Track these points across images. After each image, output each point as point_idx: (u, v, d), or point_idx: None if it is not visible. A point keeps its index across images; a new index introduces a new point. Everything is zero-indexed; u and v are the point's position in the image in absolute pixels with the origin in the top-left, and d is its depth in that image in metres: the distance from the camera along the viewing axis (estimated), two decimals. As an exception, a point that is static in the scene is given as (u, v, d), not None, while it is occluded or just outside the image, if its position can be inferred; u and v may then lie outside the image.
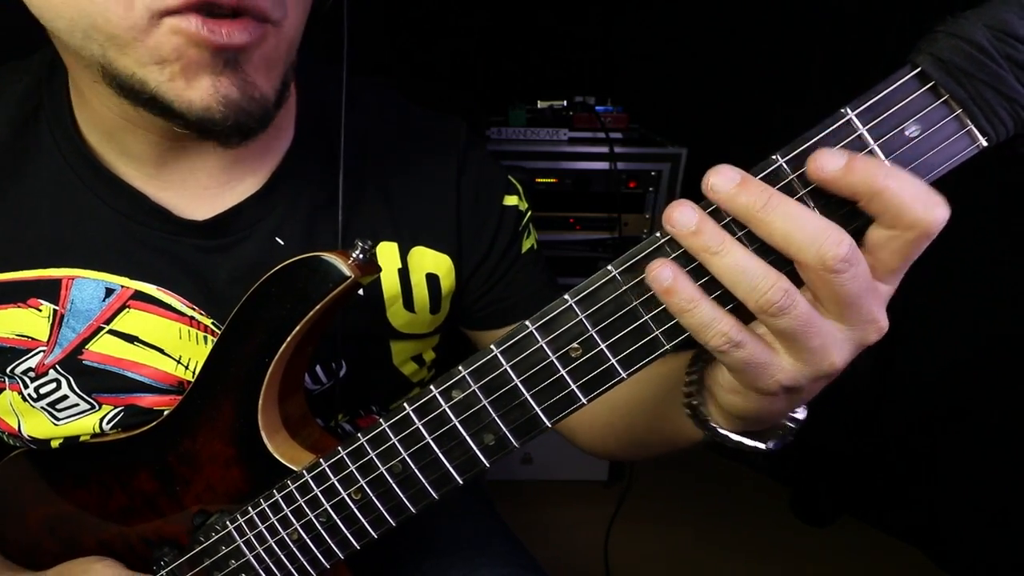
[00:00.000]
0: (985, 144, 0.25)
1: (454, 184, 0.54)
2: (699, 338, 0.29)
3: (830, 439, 1.43)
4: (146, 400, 0.50)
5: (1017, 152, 0.25)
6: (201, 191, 0.47)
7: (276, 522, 0.44)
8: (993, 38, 0.23)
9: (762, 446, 0.36)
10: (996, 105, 0.24)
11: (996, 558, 1.26)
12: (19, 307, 0.47)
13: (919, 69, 0.25)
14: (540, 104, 1.40)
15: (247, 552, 0.45)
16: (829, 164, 0.26)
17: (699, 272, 0.29)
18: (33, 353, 0.48)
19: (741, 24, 1.41)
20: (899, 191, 0.25)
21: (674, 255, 0.30)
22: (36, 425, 0.51)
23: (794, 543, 1.42)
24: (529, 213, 0.59)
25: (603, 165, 1.26)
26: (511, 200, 0.57)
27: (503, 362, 0.34)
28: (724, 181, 0.27)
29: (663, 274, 0.29)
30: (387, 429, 0.38)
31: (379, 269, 0.42)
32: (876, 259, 0.27)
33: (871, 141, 0.26)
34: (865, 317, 0.28)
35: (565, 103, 1.40)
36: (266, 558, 0.45)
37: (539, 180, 1.27)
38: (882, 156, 0.27)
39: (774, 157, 0.28)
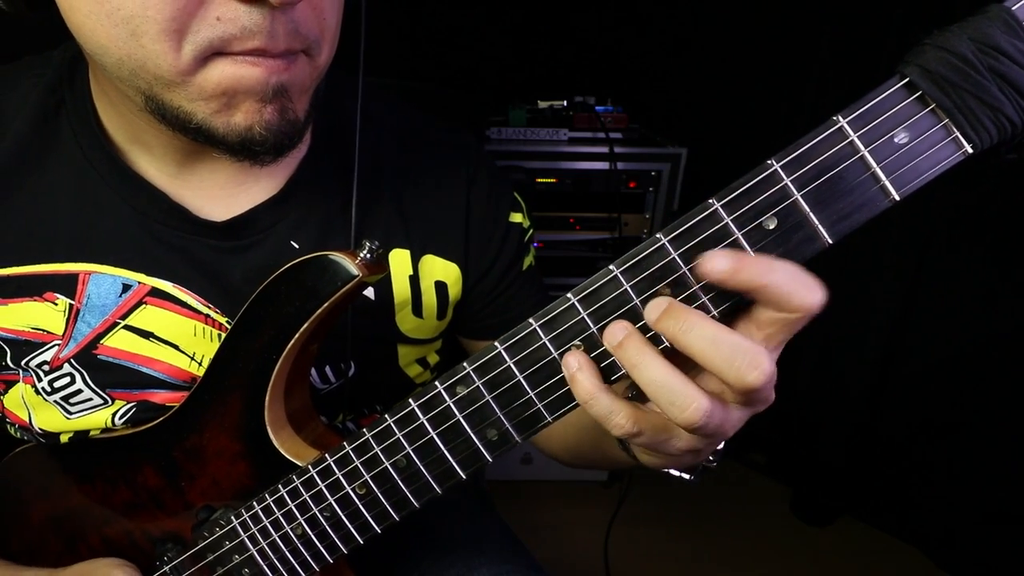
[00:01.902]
0: (970, 151, 0.26)
1: (464, 196, 0.55)
2: (603, 425, 0.33)
3: (830, 439, 1.44)
4: (159, 396, 0.51)
5: (1002, 159, 0.26)
6: (218, 191, 0.48)
7: (281, 517, 0.44)
8: (977, 51, 0.25)
9: (687, 477, 0.40)
10: (980, 114, 0.25)
11: (996, 558, 1.26)
12: (35, 300, 0.47)
13: (907, 79, 0.27)
14: (540, 104, 1.39)
15: (251, 547, 0.46)
16: (717, 266, 0.29)
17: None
18: (48, 347, 0.48)
19: (741, 24, 1.41)
20: (782, 283, 0.28)
21: (677, 253, 0.31)
22: (48, 418, 0.51)
23: (794, 543, 1.42)
24: (531, 232, 0.61)
25: (603, 165, 1.26)
26: (516, 217, 0.59)
27: (507, 359, 0.35)
28: (650, 309, 0.30)
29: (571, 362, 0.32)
30: (392, 424, 0.39)
31: (386, 269, 0.43)
32: (766, 335, 0.30)
33: (862, 147, 0.28)
34: (765, 399, 0.31)
35: (565, 103, 1.40)
36: (270, 553, 0.46)
37: (539, 180, 1.27)
38: (873, 163, 0.28)
39: (769, 162, 0.29)
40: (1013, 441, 1.20)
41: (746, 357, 0.28)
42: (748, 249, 0.30)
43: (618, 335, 0.31)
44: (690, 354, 0.29)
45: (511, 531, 0.68)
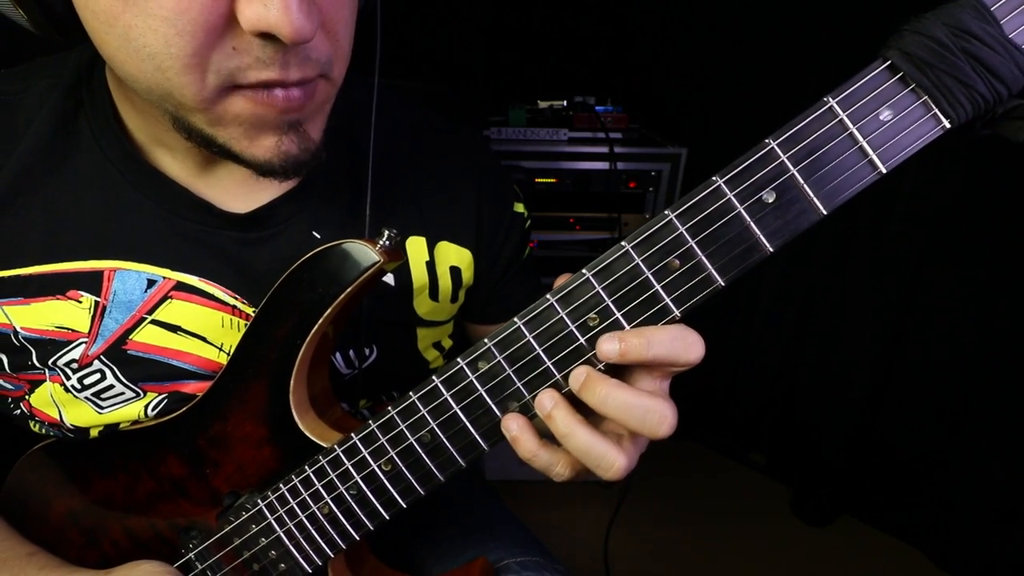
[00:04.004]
0: (948, 126, 0.29)
1: (475, 187, 0.58)
2: (546, 474, 0.39)
3: (831, 439, 1.44)
4: (190, 387, 0.52)
5: (979, 133, 0.29)
6: (236, 188, 0.50)
7: (308, 497, 0.45)
8: (951, 34, 0.28)
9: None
10: (956, 91, 0.28)
11: (996, 558, 1.26)
12: (57, 299, 0.47)
13: (889, 62, 0.30)
14: (540, 104, 1.40)
15: (278, 528, 0.47)
16: (609, 349, 0.34)
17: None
18: (74, 345, 0.49)
19: (741, 25, 1.41)
20: (666, 354, 0.34)
21: (684, 228, 0.33)
22: (79, 414, 0.52)
23: (794, 543, 1.42)
24: (529, 221, 0.64)
25: (603, 165, 1.27)
26: (519, 207, 0.62)
27: (526, 333, 0.37)
28: (573, 379, 0.36)
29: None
30: (416, 401, 0.40)
31: (403, 257, 0.45)
32: (661, 375, 0.37)
33: (850, 125, 0.30)
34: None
35: (565, 103, 1.41)
36: (296, 533, 0.47)
37: (539, 180, 1.27)
38: (860, 139, 0.30)
39: (766, 140, 0.31)
40: (1013, 441, 1.20)
41: (655, 415, 0.35)
42: (750, 222, 0.32)
43: (547, 405, 0.36)
44: (610, 418, 0.35)
45: (520, 520, 0.70)
